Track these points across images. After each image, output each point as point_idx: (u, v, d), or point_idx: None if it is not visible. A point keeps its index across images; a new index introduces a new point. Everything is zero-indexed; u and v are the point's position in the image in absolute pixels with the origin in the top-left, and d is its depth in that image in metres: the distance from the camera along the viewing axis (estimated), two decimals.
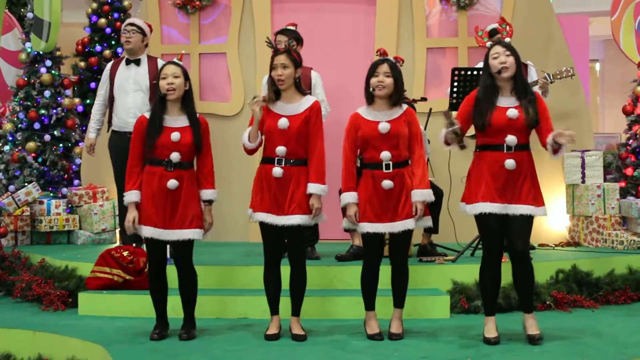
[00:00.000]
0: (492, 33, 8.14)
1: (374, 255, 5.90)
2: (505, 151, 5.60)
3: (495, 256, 5.73)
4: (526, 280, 5.75)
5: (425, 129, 7.99)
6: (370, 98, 5.86)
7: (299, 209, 5.75)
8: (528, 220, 5.63)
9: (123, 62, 8.07)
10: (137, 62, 7.97)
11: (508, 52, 5.61)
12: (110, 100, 8.06)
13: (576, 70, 8.05)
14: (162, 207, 5.79)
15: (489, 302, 5.79)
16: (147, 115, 5.91)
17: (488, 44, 5.79)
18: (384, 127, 5.74)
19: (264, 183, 5.82)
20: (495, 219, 5.63)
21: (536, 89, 7.70)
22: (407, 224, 5.79)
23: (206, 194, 5.92)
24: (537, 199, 5.65)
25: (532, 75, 8.10)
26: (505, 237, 5.69)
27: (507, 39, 5.77)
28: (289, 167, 5.78)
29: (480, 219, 5.71)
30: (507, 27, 5.94)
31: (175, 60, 5.95)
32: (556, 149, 5.54)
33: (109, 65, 8.19)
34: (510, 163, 5.56)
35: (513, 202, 5.60)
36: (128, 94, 7.88)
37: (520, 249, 5.66)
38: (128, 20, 8.16)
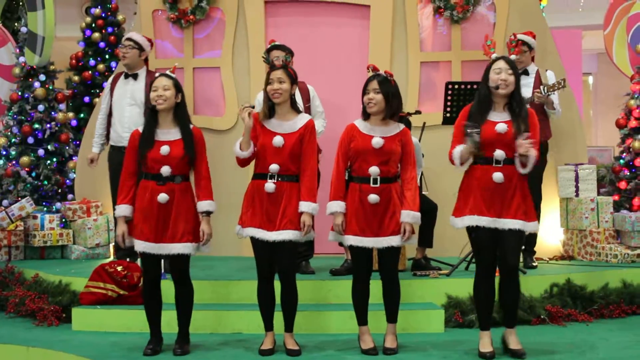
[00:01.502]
0: (525, 43, 8.08)
1: (362, 269, 5.91)
2: (494, 165, 5.61)
3: (488, 270, 5.72)
4: (512, 296, 5.75)
5: (419, 142, 7.99)
6: (366, 114, 5.88)
7: (290, 225, 5.75)
8: (518, 235, 5.64)
9: (122, 76, 8.03)
10: (135, 77, 7.91)
11: (510, 71, 5.62)
12: (109, 114, 8.01)
13: (567, 82, 8.04)
14: (155, 221, 5.79)
15: (484, 316, 5.79)
16: (142, 129, 5.91)
17: (494, 55, 5.78)
18: (377, 142, 5.75)
19: (256, 198, 5.82)
20: (486, 233, 5.63)
21: (554, 98, 7.71)
22: (392, 240, 5.79)
23: (201, 205, 5.89)
24: (528, 214, 5.66)
25: (551, 80, 8.09)
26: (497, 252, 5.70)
27: (513, 56, 5.76)
28: (281, 182, 5.78)
29: (471, 232, 5.72)
30: (517, 44, 5.94)
31: (167, 72, 5.96)
32: (524, 162, 5.54)
33: (110, 79, 8.14)
34: (497, 176, 5.58)
35: (503, 216, 5.61)
36: (124, 108, 7.82)
37: (510, 264, 5.66)
38: (127, 35, 8.09)
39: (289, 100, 5.89)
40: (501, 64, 5.66)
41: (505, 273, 5.70)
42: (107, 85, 8.15)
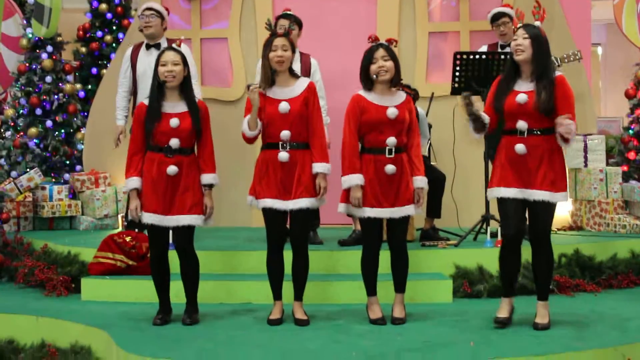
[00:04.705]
0: (494, 17, 8.11)
1: (373, 240, 5.90)
2: (518, 136, 5.58)
3: (514, 240, 5.66)
4: (541, 267, 5.70)
5: (427, 114, 7.98)
6: (369, 85, 5.84)
7: (306, 192, 5.76)
8: (546, 205, 5.58)
9: (143, 47, 7.94)
10: (158, 47, 7.80)
11: (526, 35, 5.54)
12: (133, 86, 7.96)
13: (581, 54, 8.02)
14: (162, 194, 5.80)
15: (507, 284, 5.78)
16: (146, 102, 5.90)
17: (519, 25, 5.72)
18: (392, 112, 5.73)
19: (269, 168, 5.81)
20: (513, 204, 5.59)
21: None
22: (407, 209, 5.80)
23: (206, 178, 5.93)
24: (556, 184, 5.58)
25: None
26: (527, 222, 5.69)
27: (537, 23, 5.69)
28: (294, 150, 5.78)
29: (499, 203, 5.69)
30: (540, 10, 5.85)
31: (174, 46, 5.95)
32: (566, 137, 5.49)
33: (128, 52, 8.05)
34: (520, 148, 5.53)
35: (529, 187, 5.57)
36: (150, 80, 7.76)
37: (538, 234, 5.63)
38: (146, 5, 7.99)
39: (289, 66, 5.89)
40: (519, 31, 5.60)
41: (534, 244, 5.67)
42: (126, 58, 8.04)
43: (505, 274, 5.80)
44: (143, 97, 7.60)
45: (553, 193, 5.57)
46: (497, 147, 5.77)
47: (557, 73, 5.61)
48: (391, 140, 5.73)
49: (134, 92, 7.97)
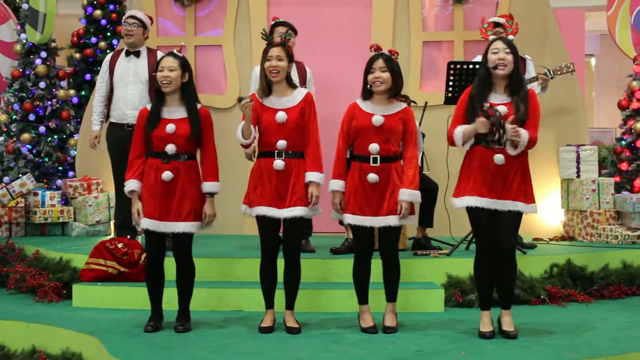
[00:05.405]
0: (496, 24, 8.12)
1: (363, 248, 5.91)
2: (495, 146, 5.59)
3: (489, 251, 5.71)
4: (507, 279, 5.74)
5: (420, 124, 7.98)
6: (367, 94, 5.85)
7: (300, 201, 5.76)
8: (516, 217, 5.62)
9: (122, 53, 7.95)
10: (137, 54, 7.86)
11: (508, 50, 5.58)
12: (110, 92, 7.96)
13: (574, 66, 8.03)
14: (159, 199, 5.78)
15: (484, 296, 5.79)
16: (149, 107, 5.91)
17: (491, 37, 5.75)
18: (377, 119, 5.73)
19: (264, 177, 5.81)
20: (486, 214, 5.61)
21: (535, 85, 7.69)
22: (390, 220, 5.77)
23: (206, 186, 5.89)
24: (528, 196, 5.63)
25: (530, 69, 8.07)
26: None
27: (510, 36, 5.72)
28: (289, 159, 5.78)
29: (471, 213, 5.71)
30: (513, 24, 5.89)
31: (174, 52, 5.94)
32: (514, 143, 5.52)
33: (108, 57, 8.07)
34: (499, 158, 5.54)
35: (502, 197, 5.59)
36: (127, 86, 7.77)
37: (505, 247, 5.65)
38: (129, 13, 8.03)
39: (285, 76, 5.88)
40: (499, 44, 5.62)
41: (501, 255, 5.68)
42: (105, 63, 8.06)
43: (483, 284, 5.79)
44: (119, 103, 7.71)
45: (527, 204, 5.63)
46: (466, 156, 5.77)
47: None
48: (374, 147, 5.74)
49: (110, 97, 7.96)
